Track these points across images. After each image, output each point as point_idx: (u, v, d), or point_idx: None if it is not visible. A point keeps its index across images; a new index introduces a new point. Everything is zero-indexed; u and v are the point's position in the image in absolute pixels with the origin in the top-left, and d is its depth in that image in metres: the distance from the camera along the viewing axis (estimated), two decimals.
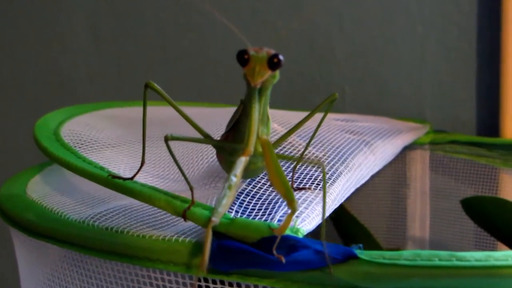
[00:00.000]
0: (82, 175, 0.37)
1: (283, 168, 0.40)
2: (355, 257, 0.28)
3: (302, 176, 0.39)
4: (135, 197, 0.33)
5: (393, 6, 0.72)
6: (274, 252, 0.29)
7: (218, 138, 0.36)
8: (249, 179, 0.38)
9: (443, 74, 0.72)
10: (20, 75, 0.77)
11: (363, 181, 0.45)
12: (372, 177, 0.49)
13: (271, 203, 0.34)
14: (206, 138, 0.36)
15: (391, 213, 0.68)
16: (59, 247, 0.36)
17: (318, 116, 0.38)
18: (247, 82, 0.32)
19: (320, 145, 0.45)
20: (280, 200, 0.34)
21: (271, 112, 0.35)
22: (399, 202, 0.67)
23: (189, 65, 0.75)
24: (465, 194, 0.63)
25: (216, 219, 0.28)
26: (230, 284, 0.31)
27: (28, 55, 0.77)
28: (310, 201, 0.35)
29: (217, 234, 0.30)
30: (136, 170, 0.36)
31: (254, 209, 0.34)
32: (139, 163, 0.37)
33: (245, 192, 0.36)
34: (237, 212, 0.33)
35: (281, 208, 0.33)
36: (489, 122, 0.71)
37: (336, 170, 0.41)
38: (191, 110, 0.51)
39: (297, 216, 0.32)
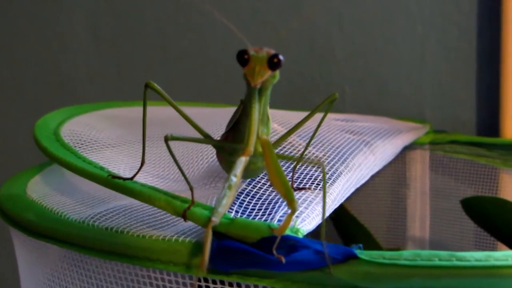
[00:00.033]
0: (82, 175, 0.37)
1: (283, 168, 0.40)
2: (355, 257, 0.28)
3: (302, 176, 0.39)
4: (135, 197, 0.33)
5: (393, 6, 0.72)
6: (274, 252, 0.29)
7: (218, 138, 0.36)
8: (249, 179, 0.38)
9: (443, 74, 0.72)
10: (20, 75, 0.77)
11: (363, 181, 0.45)
12: (372, 177, 0.49)
13: (271, 203, 0.34)
14: (206, 138, 0.36)
15: (391, 213, 0.68)
16: (59, 247, 0.36)
17: (318, 116, 0.38)
18: (247, 82, 0.32)
19: (320, 145, 0.45)
20: (280, 200, 0.34)
21: (271, 112, 0.35)
22: (399, 202, 0.67)
23: (189, 65, 0.75)
24: (465, 194, 0.63)
25: (216, 219, 0.28)
26: (230, 284, 0.31)
27: (28, 55, 0.77)
28: (310, 201, 0.35)
29: (217, 234, 0.30)
30: (136, 170, 0.36)
31: (254, 209, 0.34)
32: (139, 163, 0.37)
33: (245, 192, 0.36)
34: (237, 212, 0.33)
35: (281, 208, 0.33)
36: (489, 122, 0.71)
37: (336, 170, 0.41)
38: (191, 110, 0.51)
39: (297, 216, 0.32)
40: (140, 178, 0.36)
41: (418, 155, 0.66)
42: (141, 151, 0.37)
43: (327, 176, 0.39)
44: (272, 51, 0.31)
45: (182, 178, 0.33)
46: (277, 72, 0.32)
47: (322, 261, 0.29)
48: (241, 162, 0.31)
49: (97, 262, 0.34)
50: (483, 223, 0.54)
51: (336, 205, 0.38)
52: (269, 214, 0.33)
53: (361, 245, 0.30)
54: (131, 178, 0.35)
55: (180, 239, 0.31)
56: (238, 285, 0.31)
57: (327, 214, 0.36)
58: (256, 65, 0.31)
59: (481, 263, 0.27)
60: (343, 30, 0.72)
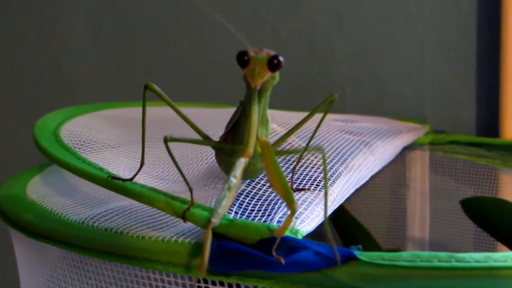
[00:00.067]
0: (81, 176, 0.37)
1: (283, 169, 0.40)
2: (354, 258, 0.28)
3: (301, 177, 0.39)
4: (135, 198, 0.33)
5: (392, 6, 0.72)
6: (274, 253, 0.29)
7: (217, 140, 0.36)
8: (248, 180, 0.38)
9: (442, 74, 0.72)
10: (20, 75, 0.77)
11: (362, 182, 0.45)
12: (372, 177, 0.49)
13: (270, 204, 0.34)
14: (205, 140, 0.36)
15: (390, 214, 0.68)
16: (58, 248, 0.36)
17: (317, 116, 0.38)
18: (247, 83, 0.32)
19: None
20: (280, 201, 0.34)
21: (271, 113, 0.35)
22: (399, 203, 0.67)
23: (189, 65, 0.75)
24: (465, 194, 0.63)
25: (215, 220, 0.28)
26: (230, 285, 0.31)
27: (28, 55, 0.77)
28: (309, 202, 0.35)
29: (216, 235, 0.30)
30: (135, 171, 0.36)
31: (253, 210, 0.34)
32: (139, 164, 0.37)
33: (245, 193, 0.36)
34: (236, 213, 0.33)
35: (280, 209, 0.33)
36: (489, 123, 0.71)
37: (336, 170, 0.41)
38: (190, 111, 0.51)
39: (296, 217, 0.32)
40: (140, 179, 0.36)
41: (418, 156, 0.66)
42: (141, 152, 0.37)
43: (327, 176, 0.39)
44: (272, 52, 0.31)
45: (182, 179, 0.33)
46: (277, 73, 0.32)
47: (321, 262, 0.29)
48: (241, 163, 0.31)
49: (96, 263, 0.34)
50: (483, 223, 0.54)
51: (335, 205, 0.38)
52: (268, 215, 0.33)
53: (360, 246, 0.30)
54: (131, 179, 0.35)
55: (180, 240, 0.31)
56: (238, 286, 0.31)
57: (327, 215, 0.36)
58: (256, 66, 0.31)
59: (481, 264, 0.27)
60: (343, 30, 0.72)
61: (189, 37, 0.74)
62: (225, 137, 0.35)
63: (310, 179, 0.39)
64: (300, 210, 0.33)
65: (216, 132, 0.41)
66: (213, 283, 0.31)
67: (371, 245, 0.60)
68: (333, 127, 0.50)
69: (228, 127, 0.35)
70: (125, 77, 0.76)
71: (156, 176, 0.40)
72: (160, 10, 0.74)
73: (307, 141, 0.40)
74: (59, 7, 0.75)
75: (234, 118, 0.34)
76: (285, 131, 0.38)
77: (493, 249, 0.62)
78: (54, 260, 0.37)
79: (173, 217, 0.34)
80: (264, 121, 0.33)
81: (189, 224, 0.32)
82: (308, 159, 0.42)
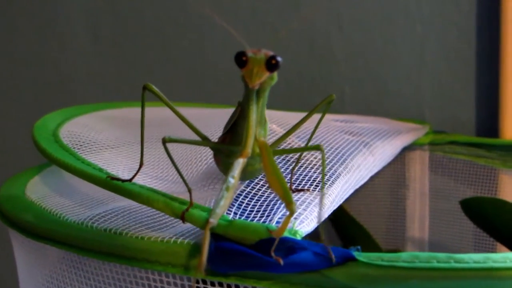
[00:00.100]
0: (80, 176, 0.37)
1: (282, 170, 0.40)
2: (353, 259, 0.28)
3: (301, 177, 0.39)
4: (134, 199, 0.33)
5: (392, 6, 0.72)
6: (272, 254, 0.29)
7: (217, 140, 0.36)
8: (247, 181, 0.38)
9: (442, 75, 0.72)
10: (20, 75, 0.77)
11: (362, 182, 0.45)
12: (372, 178, 0.49)
13: (269, 205, 0.34)
14: (204, 140, 0.36)
15: (390, 214, 0.68)
16: (57, 249, 0.36)
17: (316, 117, 0.38)
18: (245, 84, 0.32)
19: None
20: (279, 201, 0.34)
21: (271, 113, 0.35)
22: (398, 203, 0.67)
23: (189, 66, 0.75)
24: (465, 195, 0.63)
25: (214, 221, 0.28)
26: (229, 286, 0.31)
27: (28, 55, 0.77)
28: (308, 202, 0.35)
29: (215, 236, 0.30)
30: (135, 172, 0.36)
31: (252, 211, 0.34)
32: (138, 164, 0.37)
33: (244, 194, 0.36)
34: (235, 213, 0.33)
35: (279, 210, 0.33)
36: (489, 123, 0.71)
37: (335, 171, 0.41)
38: (190, 111, 0.51)
39: (295, 218, 0.32)
40: (139, 180, 0.36)
41: (418, 156, 0.66)
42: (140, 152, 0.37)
43: (326, 177, 0.39)
44: (270, 53, 0.31)
45: (181, 179, 0.33)
46: (275, 74, 0.32)
47: (320, 263, 0.29)
48: (239, 163, 0.31)
49: (95, 263, 0.34)
50: (483, 224, 0.54)
51: (335, 206, 0.38)
52: (267, 216, 0.33)
53: (359, 247, 0.30)
54: (130, 180, 0.35)
55: (179, 240, 0.31)
56: (237, 286, 0.31)
57: (326, 215, 0.36)
58: (254, 67, 0.31)
59: (480, 265, 0.27)
60: (343, 30, 0.72)
61: (189, 37, 0.74)
62: (223, 138, 0.35)
63: (310, 180, 0.39)
64: (299, 210, 0.33)
65: (216, 133, 0.41)
66: (212, 284, 0.31)
67: (371, 245, 0.60)
68: (333, 127, 0.50)
69: (226, 127, 0.35)
70: (125, 77, 0.76)
71: (155, 176, 0.40)
72: (160, 10, 0.74)
73: (306, 141, 0.40)
74: (59, 7, 0.75)
75: (233, 119, 0.34)
76: (284, 132, 0.38)
77: (493, 250, 0.62)
78: (53, 261, 0.37)
79: (172, 218, 0.34)
80: (262, 122, 0.33)
81: (188, 225, 0.32)
82: (307, 160, 0.42)
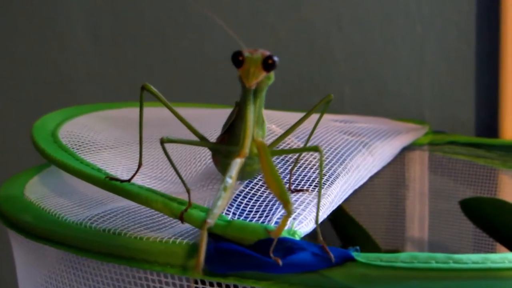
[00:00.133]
0: (79, 177, 0.37)
1: (281, 170, 0.40)
2: (352, 259, 0.28)
3: (300, 178, 0.39)
4: (132, 199, 0.33)
5: (392, 6, 0.72)
6: (271, 254, 0.29)
7: (215, 140, 0.36)
8: (247, 181, 0.37)
9: (442, 75, 0.72)
10: (20, 75, 0.77)
11: (361, 183, 0.45)
12: (371, 178, 0.49)
13: (268, 205, 0.34)
14: (202, 141, 0.36)
15: (390, 214, 0.68)
16: (56, 249, 0.36)
17: (315, 117, 0.38)
18: (242, 84, 0.32)
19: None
20: (278, 202, 0.34)
21: (270, 113, 0.35)
22: (398, 203, 0.67)
23: (189, 66, 0.75)
24: (464, 195, 0.63)
25: (211, 221, 0.28)
26: (227, 287, 0.31)
27: (28, 55, 0.77)
28: (307, 203, 0.35)
29: (214, 236, 0.30)
30: (134, 172, 0.36)
31: (251, 211, 0.34)
32: (137, 165, 0.37)
33: (243, 194, 0.36)
34: (234, 214, 0.33)
35: (278, 210, 0.33)
36: (488, 123, 0.71)
37: (334, 171, 0.41)
38: (189, 111, 0.51)
39: (294, 218, 0.32)
40: (138, 180, 0.36)
41: (417, 156, 0.66)
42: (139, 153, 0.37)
43: (325, 177, 0.39)
44: (267, 53, 0.31)
45: (180, 180, 0.33)
46: (272, 74, 0.32)
47: (319, 263, 0.29)
48: (236, 163, 0.31)
49: (94, 264, 0.34)
50: (482, 224, 0.54)
51: (334, 206, 0.38)
52: (266, 216, 0.33)
53: (358, 247, 0.30)
54: (129, 180, 0.35)
55: (178, 241, 0.31)
56: (235, 287, 0.31)
57: (325, 216, 0.36)
58: (250, 67, 0.31)
59: (478, 265, 0.27)
60: (342, 30, 0.72)
61: (189, 37, 0.74)
62: (221, 138, 0.35)
63: (309, 180, 0.39)
64: (298, 211, 0.33)
65: (215, 133, 0.41)
66: (211, 285, 0.31)
67: (370, 245, 0.60)
68: (332, 127, 0.50)
69: (224, 128, 0.35)
70: (124, 77, 0.76)
71: (154, 177, 0.40)
72: (159, 10, 0.74)
73: (305, 142, 0.40)
74: (59, 7, 0.75)
75: (230, 119, 0.34)
76: (283, 132, 0.38)
77: (492, 250, 0.62)
78: (52, 261, 0.37)
79: (171, 218, 0.34)
80: (260, 122, 0.33)
81: (187, 225, 0.32)
82: (306, 160, 0.42)
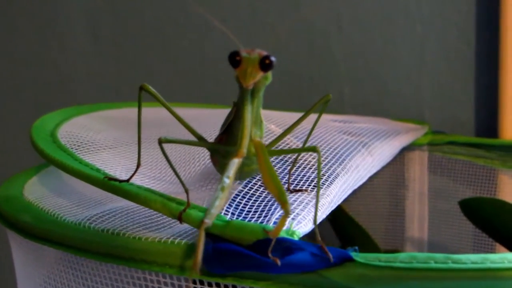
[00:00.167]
0: (78, 177, 0.37)
1: (280, 170, 0.40)
2: (350, 259, 0.28)
3: (299, 178, 0.39)
4: (131, 199, 0.33)
5: (392, 6, 0.72)
6: (270, 254, 0.29)
7: (213, 140, 0.36)
8: (245, 181, 0.37)
9: (442, 75, 0.72)
10: (19, 75, 0.77)
11: (360, 183, 0.45)
12: (371, 178, 0.49)
13: (267, 205, 0.34)
14: (200, 141, 0.35)
15: (389, 214, 0.68)
16: (55, 249, 0.36)
17: (314, 117, 0.38)
18: (239, 84, 0.32)
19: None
20: (276, 202, 0.34)
21: (269, 113, 0.35)
22: (398, 203, 0.67)
23: (189, 66, 0.75)
24: (464, 195, 0.63)
25: (208, 221, 0.28)
26: (226, 287, 0.31)
27: (28, 55, 0.77)
28: (306, 203, 0.35)
29: (212, 236, 0.30)
30: (133, 172, 0.36)
31: (250, 211, 0.34)
32: (136, 165, 0.37)
33: (242, 194, 0.36)
34: (233, 214, 0.33)
35: (277, 210, 0.33)
36: (488, 123, 0.71)
37: (334, 171, 0.41)
38: (189, 112, 0.51)
39: (293, 219, 0.32)
40: (137, 180, 0.36)
41: (417, 156, 0.66)
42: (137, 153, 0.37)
43: (324, 177, 0.39)
44: (264, 53, 0.31)
45: (178, 180, 0.33)
46: (270, 74, 0.32)
47: (317, 263, 0.29)
48: (234, 164, 0.31)
49: (93, 264, 0.34)
50: (482, 224, 0.54)
51: (333, 206, 0.38)
52: (265, 216, 0.33)
53: (356, 247, 0.30)
54: (127, 180, 0.35)
55: (176, 241, 0.31)
56: (234, 287, 0.31)
57: (324, 216, 0.36)
58: (248, 67, 0.31)
59: (477, 265, 0.27)
60: (342, 30, 0.72)
61: (189, 37, 0.74)
62: (219, 138, 0.35)
63: (308, 180, 0.39)
64: (296, 211, 0.33)
65: (214, 133, 0.41)
66: (209, 285, 0.31)
67: (369, 246, 0.60)
68: (331, 127, 0.50)
69: (222, 128, 0.35)
70: (124, 78, 0.76)
71: (153, 177, 0.40)
72: (159, 10, 0.74)
73: (304, 142, 0.40)
74: (59, 7, 0.75)
75: (228, 119, 0.34)
76: (282, 132, 0.38)
77: (492, 250, 0.62)
78: (50, 262, 0.37)
79: (170, 218, 0.34)
80: (258, 122, 0.33)
81: (185, 225, 0.32)
82: (305, 160, 0.42)
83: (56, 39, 0.76)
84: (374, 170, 0.48)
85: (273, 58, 0.31)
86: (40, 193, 0.43)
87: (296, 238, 0.30)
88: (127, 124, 0.49)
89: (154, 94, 0.35)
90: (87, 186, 0.37)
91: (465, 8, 0.70)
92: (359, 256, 0.28)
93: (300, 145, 0.44)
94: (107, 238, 0.33)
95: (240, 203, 0.35)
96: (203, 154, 0.42)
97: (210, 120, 0.47)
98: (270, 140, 0.37)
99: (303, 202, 0.35)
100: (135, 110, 0.36)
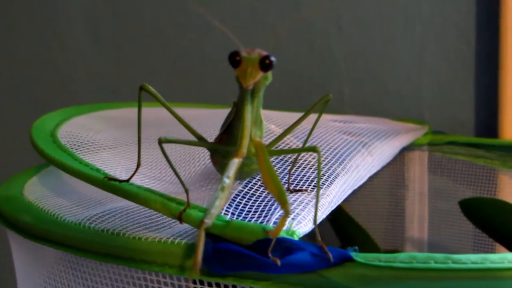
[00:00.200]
0: (78, 177, 0.37)
1: (280, 170, 0.40)
2: (350, 259, 0.28)
3: (299, 178, 0.39)
4: (131, 199, 0.33)
5: (391, 6, 0.72)
6: (270, 254, 0.29)
7: (213, 140, 0.36)
8: (246, 181, 0.37)
9: (442, 75, 0.72)
10: (19, 75, 0.77)
11: (360, 183, 0.45)
12: (371, 178, 0.49)
13: (267, 205, 0.34)
14: (200, 141, 0.36)
15: (389, 214, 0.68)
16: (55, 249, 0.36)
17: (314, 117, 0.38)
18: (239, 84, 0.32)
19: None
20: (277, 202, 0.34)
21: (269, 113, 0.35)
22: (398, 203, 0.67)
23: (189, 66, 0.75)
24: (464, 195, 0.63)
25: (208, 221, 0.28)
26: (226, 287, 0.31)
27: (27, 56, 0.77)
28: (306, 203, 0.35)
29: (213, 236, 0.30)
30: (132, 172, 0.36)
31: (250, 211, 0.34)
32: (136, 165, 0.37)
33: (242, 194, 0.36)
34: (233, 214, 0.33)
35: (277, 210, 0.33)
36: (488, 123, 0.71)
37: (334, 171, 0.41)
38: (189, 112, 0.51)
39: (293, 219, 0.32)
40: (137, 180, 0.36)
41: (417, 156, 0.66)
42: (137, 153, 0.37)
43: (324, 177, 0.39)
44: (264, 53, 0.31)
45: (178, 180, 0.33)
46: (270, 74, 0.32)
47: (317, 263, 0.29)
48: (234, 163, 0.31)
49: (93, 264, 0.34)
50: (482, 224, 0.54)
51: (333, 206, 0.38)
52: (265, 216, 0.33)
53: (356, 247, 0.30)
54: (127, 180, 0.35)
55: (176, 241, 0.31)
56: (234, 287, 0.31)
57: (324, 216, 0.36)
58: (248, 67, 0.31)
59: (477, 265, 0.27)
60: (342, 30, 0.72)
61: (189, 37, 0.74)
62: (219, 138, 0.35)
63: (308, 180, 0.39)
64: (297, 211, 0.33)
65: (214, 133, 0.41)
66: (209, 285, 0.31)
67: (369, 246, 0.60)
68: (331, 127, 0.50)
69: (222, 128, 0.35)
70: (124, 78, 0.76)
71: (153, 177, 0.40)
72: (159, 10, 0.74)
73: (304, 141, 0.40)
74: (58, 7, 0.75)
75: (228, 119, 0.34)
76: (282, 132, 0.38)
77: (492, 250, 0.62)
78: (50, 262, 0.37)
79: (170, 218, 0.34)
80: (258, 122, 0.33)
81: (185, 225, 0.32)
82: (305, 160, 0.42)
83: (56, 39, 0.76)
84: (374, 170, 0.48)
85: (273, 58, 0.31)
86: (40, 193, 0.43)
87: (296, 238, 0.30)
88: (127, 124, 0.49)
89: (154, 94, 0.35)
90: (87, 186, 0.37)
91: (465, 8, 0.70)
92: (359, 256, 0.28)
93: (300, 145, 0.44)
94: (107, 238, 0.33)
95: (240, 203, 0.35)
96: (203, 154, 0.42)
97: (210, 120, 0.47)
98: (270, 140, 0.37)
99: (303, 202, 0.35)
100: (135, 110, 0.36)
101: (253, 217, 0.33)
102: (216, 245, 0.30)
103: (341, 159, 0.43)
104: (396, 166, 0.66)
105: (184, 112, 0.37)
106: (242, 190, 0.36)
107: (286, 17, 0.73)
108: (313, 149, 0.33)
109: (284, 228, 0.30)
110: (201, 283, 0.31)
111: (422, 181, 0.66)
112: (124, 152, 0.43)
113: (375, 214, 0.68)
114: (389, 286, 0.28)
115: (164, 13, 0.74)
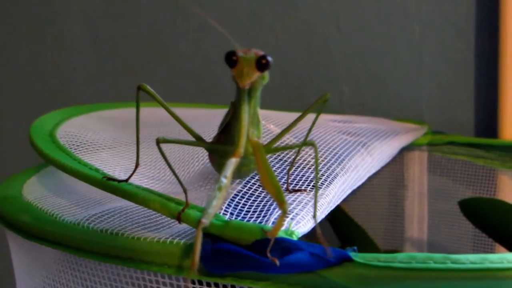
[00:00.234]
0: (76, 177, 0.37)
1: (279, 170, 0.40)
2: (349, 259, 0.28)
3: (298, 177, 0.39)
4: (130, 199, 0.33)
5: (390, 6, 0.72)
6: (268, 254, 0.29)
7: (211, 140, 0.36)
8: (244, 181, 0.37)
9: (441, 75, 0.72)
10: (18, 75, 0.77)
11: (360, 183, 0.45)
12: (370, 178, 0.49)
13: (266, 205, 0.34)
14: (198, 141, 0.35)
15: (389, 215, 0.68)
16: (54, 249, 0.36)
17: (313, 116, 0.38)
18: (236, 84, 0.32)
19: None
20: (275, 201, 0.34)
21: (268, 113, 0.35)
22: (397, 203, 0.67)
23: (188, 66, 0.75)
24: (463, 195, 0.63)
25: (206, 221, 0.28)
26: (225, 287, 0.31)
27: (27, 56, 0.77)
28: (305, 203, 0.35)
29: (211, 236, 0.30)
30: (131, 172, 0.36)
31: (249, 211, 0.34)
32: (135, 165, 0.37)
33: (241, 194, 0.36)
34: (232, 214, 0.33)
35: (276, 210, 0.33)
36: (487, 123, 0.71)
37: (333, 171, 0.41)
38: (188, 112, 0.51)
39: (292, 218, 0.32)
40: (135, 180, 0.36)
41: (416, 156, 0.66)
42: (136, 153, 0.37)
43: (323, 177, 0.39)
44: (261, 52, 0.31)
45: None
46: (266, 74, 0.32)
47: (316, 263, 0.29)
48: (231, 163, 0.31)
49: (92, 264, 0.34)
50: (481, 224, 0.53)
51: (332, 206, 0.38)
52: (264, 216, 0.33)
53: (355, 247, 0.30)
54: (126, 180, 0.35)
55: (175, 241, 0.31)
56: (233, 287, 0.31)
57: (323, 216, 0.36)
58: (244, 67, 0.31)
59: (476, 265, 0.27)
60: (341, 30, 0.72)
61: (188, 38, 0.74)
62: (217, 138, 0.35)
63: (307, 180, 0.39)
64: (295, 211, 0.33)
65: (212, 133, 0.41)
66: (208, 285, 0.31)
67: (369, 246, 0.60)
68: (330, 127, 0.50)
69: (220, 128, 0.35)
70: (123, 78, 0.76)
71: (151, 177, 0.40)
72: (158, 11, 0.74)
73: (303, 141, 0.40)
74: (58, 8, 0.75)
75: (226, 119, 0.34)
76: (280, 131, 0.38)
77: (492, 250, 0.62)
78: (49, 262, 0.37)
79: (169, 218, 0.34)
80: (255, 122, 0.33)
81: (184, 225, 0.32)
82: (304, 160, 0.41)
83: (55, 40, 0.76)
84: (373, 170, 0.48)
85: (269, 58, 0.31)
86: (39, 193, 0.43)
87: (295, 238, 0.30)
88: (126, 124, 0.49)
89: (152, 94, 0.35)
90: (86, 186, 0.37)
91: (465, 8, 0.70)
92: (358, 256, 0.28)
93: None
94: (106, 238, 0.33)
95: (239, 203, 0.35)
96: (202, 154, 0.42)
97: (208, 120, 0.47)
98: (267, 140, 0.37)
99: (302, 202, 0.35)
100: (134, 110, 0.36)
101: (252, 217, 0.33)
102: (215, 245, 0.30)
103: (340, 159, 0.43)
104: (395, 166, 0.66)
105: (182, 112, 0.37)
106: (241, 190, 0.36)
107: (285, 17, 0.73)
108: (310, 143, 0.33)
109: (283, 228, 0.30)
110: (200, 283, 0.31)
111: (422, 181, 0.66)
112: (123, 152, 0.43)
113: (374, 214, 0.68)
114: (388, 286, 0.27)
115: (162, 14, 0.74)
